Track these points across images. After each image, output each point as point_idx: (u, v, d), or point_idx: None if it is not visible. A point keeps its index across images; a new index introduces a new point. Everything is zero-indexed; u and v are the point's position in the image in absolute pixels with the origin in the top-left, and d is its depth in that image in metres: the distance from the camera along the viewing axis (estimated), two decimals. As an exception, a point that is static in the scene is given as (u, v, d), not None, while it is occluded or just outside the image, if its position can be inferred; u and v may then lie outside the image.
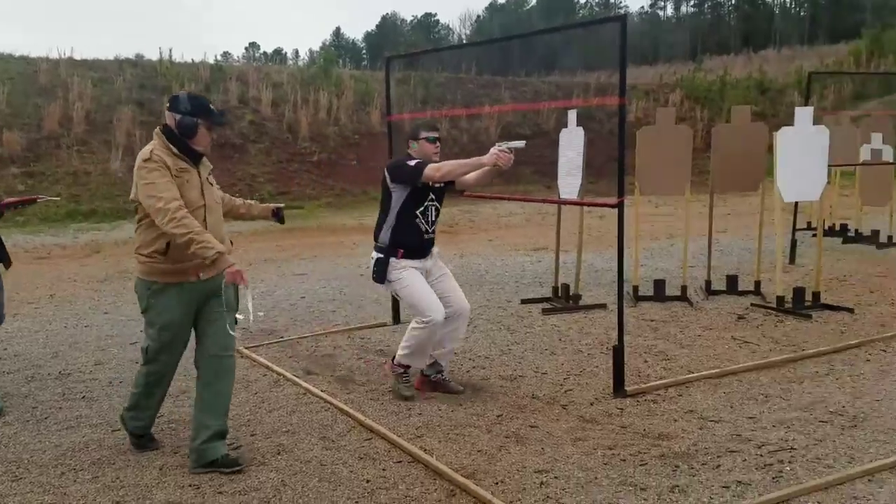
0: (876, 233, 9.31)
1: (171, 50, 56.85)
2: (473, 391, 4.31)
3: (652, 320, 5.90)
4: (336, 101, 20.12)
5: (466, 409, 4.02)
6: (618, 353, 4.19)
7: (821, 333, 5.36)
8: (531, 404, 4.07)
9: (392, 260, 4.03)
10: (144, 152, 3.14)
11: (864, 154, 9.26)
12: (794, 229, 8.51)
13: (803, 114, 5.99)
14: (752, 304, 6.27)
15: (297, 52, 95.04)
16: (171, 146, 3.18)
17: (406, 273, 4.01)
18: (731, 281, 6.80)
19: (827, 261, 8.13)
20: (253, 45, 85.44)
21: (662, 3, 78.48)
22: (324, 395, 4.25)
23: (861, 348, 4.95)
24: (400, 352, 4.15)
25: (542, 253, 9.45)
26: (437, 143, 4.11)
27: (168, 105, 3.24)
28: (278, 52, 79.21)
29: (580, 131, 6.28)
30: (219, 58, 40.08)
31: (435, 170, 3.87)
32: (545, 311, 6.22)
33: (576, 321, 5.93)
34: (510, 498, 2.98)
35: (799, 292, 6.07)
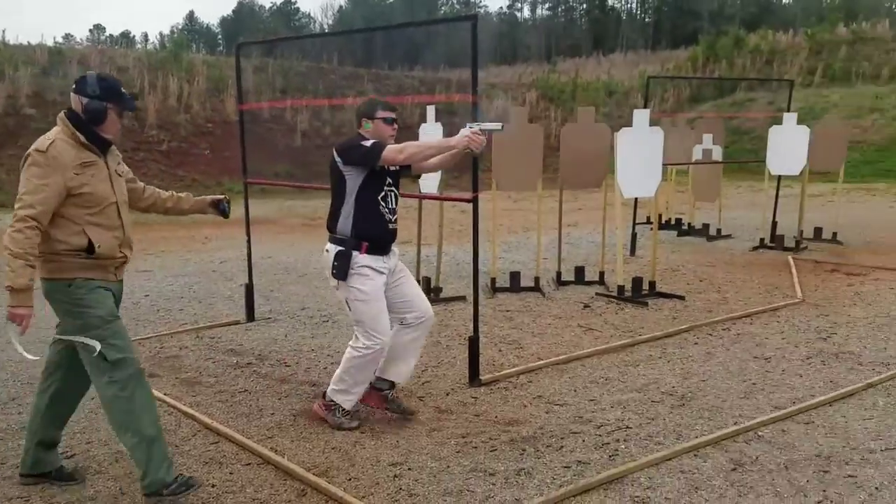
0: (706, 226, 10.16)
1: (3, 31, 51.78)
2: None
3: (507, 311, 6.11)
4: (187, 87, 19.16)
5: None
6: (473, 343, 4.31)
7: (656, 320, 5.78)
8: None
9: (355, 255, 3.46)
10: (41, 143, 2.77)
11: (697, 154, 10.07)
12: (634, 223, 9.09)
13: (641, 116, 6.42)
14: (596, 294, 6.65)
15: (146, 35, 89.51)
16: (78, 133, 2.83)
17: (369, 284, 3.47)
18: (579, 272, 7.17)
19: (662, 252, 8.78)
20: (98, 28, 79.45)
21: (519, 5, 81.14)
22: (166, 398, 4.05)
23: (690, 332, 5.39)
24: (333, 386, 3.61)
25: (407, 247, 9.50)
26: (395, 125, 3.63)
27: (74, 87, 2.87)
28: (125, 36, 74.12)
29: (439, 127, 6.36)
30: (59, 40, 37.00)
31: (397, 151, 3.41)
32: (405, 305, 6.26)
33: (435, 314, 6.00)
34: (363, 493, 2.98)
35: (637, 282, 6.52)
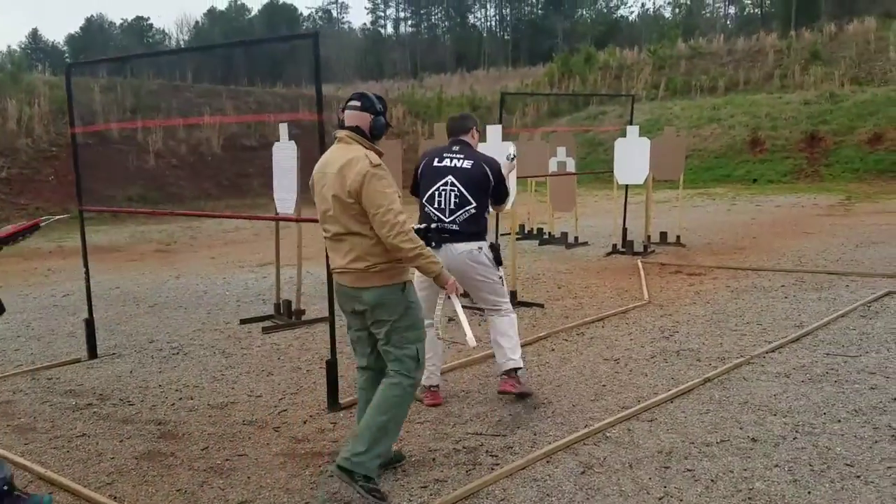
0: (565, 234, 10.60)
1: None
2: (175, 425, 4.02)
3: (370, 330, 6.05)
4: (28, 109, 17.76)
5: (168, 444, 3.74)
6: (331, 367, 4.21)
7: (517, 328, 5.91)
8: (241, 432, 3.91)
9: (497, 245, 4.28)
10: None
11: (552, 166, 10.48)
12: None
13: (494, 131, 6.59)
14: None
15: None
16: None
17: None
18: (443, 286, 7.24)
19: (525, 262, 9.06)
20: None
21: (383, 22, 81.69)
22: (-7, 450, 3.67)
23: (548, 339, 5.57)
24: (512, 356, 4.16)
25: (269, 268, 9.23)
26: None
27: None
28: (-47, 52, 67.70)
29: (292, 145, 6.23)
30: None
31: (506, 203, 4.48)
32: (265, 330, 6.06)
33: (297, 338, 5.86)
34: (209, 536, 2.82)
35: (499, 293, 6.66)
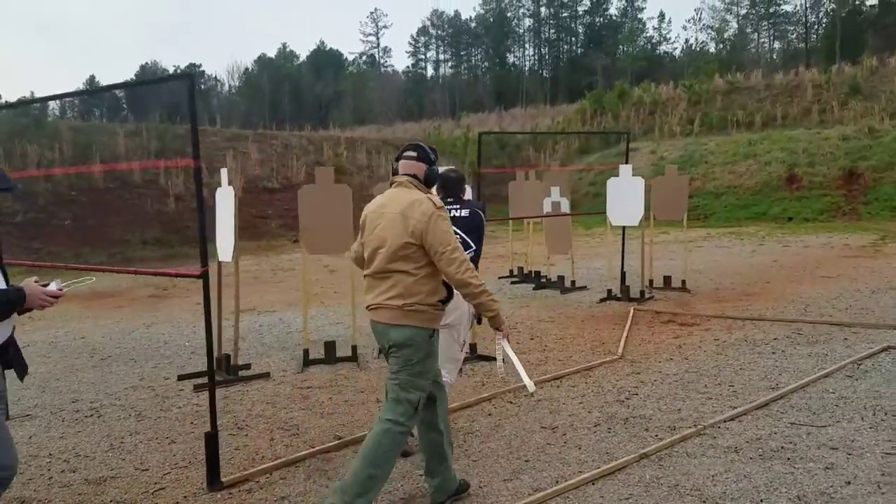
0: (561, 278, 10.05)
1: None
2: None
3: (309, 387, 5.62)
4: (49, 154, 18.18)
5: (9, 529, 3.36)
6: (210, 440, 3.79)
7: (463, 388, 5.41)
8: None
9: None
10: None
11: (546, 207, 10.01)
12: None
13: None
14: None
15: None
16: None
17: None
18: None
19: (512, 308, 8.54)
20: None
21: (423, 64, 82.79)
22: None
23: (491, 400, 5.04)
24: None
25: (246, 315, 8.94)
26: None
27: None
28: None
29: (231, 190, 5.94)
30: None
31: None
32: (196, 388, 5.69)
33: (226, 397, 5.47)
34: None
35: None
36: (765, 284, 9.76)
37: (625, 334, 6.87)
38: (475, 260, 4.20)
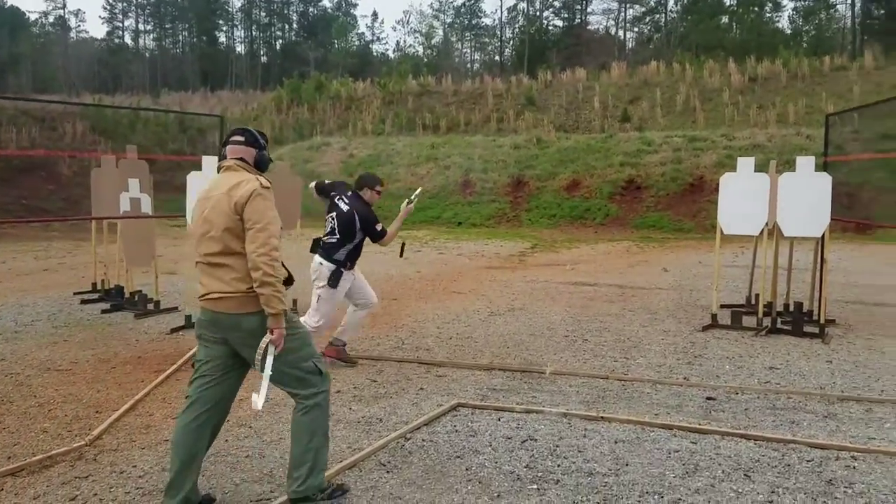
0: (143, 296, 7.91)
1: None
2: None
3: None
4: None
5: None
6: None
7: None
8: None
9: (343, 271, 5.37)
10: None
11: (124, 204, 7.79)
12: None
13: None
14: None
15: None
16: None
17: (342, 285, 5.39)
18: None
19: (81, 334, 6.14)
20: None
21: (121, 32, 74.00)
22: None
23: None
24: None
25: None
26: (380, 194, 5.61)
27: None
28: None
29: None
30: None
31: (388, 239, 5.51)
32: None
33: None
34: None
35: None
36: (391, 302, 8.62)
37: (128, 405, 4.89)
38: (342, 246, 5.35)
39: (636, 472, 3.60)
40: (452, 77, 33.86)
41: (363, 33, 73.06)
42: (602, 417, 4.40)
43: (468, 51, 67.83)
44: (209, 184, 3.26)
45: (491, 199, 21.21)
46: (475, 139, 25.18)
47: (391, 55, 69.93)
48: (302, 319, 4.93)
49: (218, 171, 3.25)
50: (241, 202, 3.01)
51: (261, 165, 3.27)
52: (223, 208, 3.05)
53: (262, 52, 72.89)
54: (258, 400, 3.02)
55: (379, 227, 5.41)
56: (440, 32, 67.38)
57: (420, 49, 67.97)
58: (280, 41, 72.91)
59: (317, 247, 5.42)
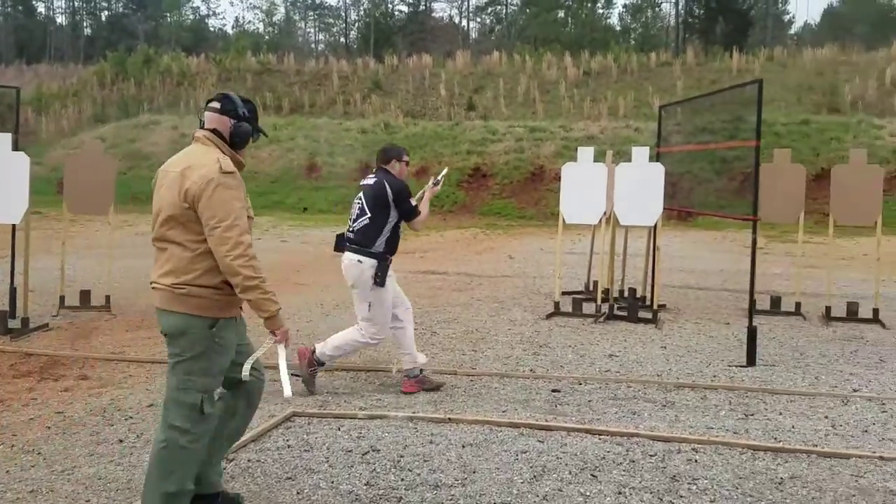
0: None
1: None
2: None
3: None
4: None
5: None
6: None
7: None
8: None
9: (388, 264, 4.55)
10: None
11: None
12: None
13: None
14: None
15: None
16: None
17: (389, 282, 4.58)
18: None
19: None
20: None
21: None
22: None
23: None
24: (330, 351, 4.65)
25: None
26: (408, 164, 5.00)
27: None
28: None
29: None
30: None
31: (421, 221, 4.75)
32: None
33: None
34: None
35: None
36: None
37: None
38: (377, 230, 4.53)
39: (484, 479, 3.40)
40: (295, 57, 32.60)
41: (198, 7, 68.93)
42: (450, 419, 4.18)
43: (312, 31, 66.04)
44: (175, 156, 2.79)
45: (338, 184, 20.65)
46: (321, 122, 24.41)
47: (229, 31, 66.52)
48: (353, 338, 4.60)
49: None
50: (194, 193, 2.59)
51: (236, 140, 2.77)
52: (173, 192, 2.64)
53: (85, 24, 66.77)
54: (286, 389, 2.81)
55: (413, 201, 4.69)
56: (282, 10, 65.01)
57: (261, 26, 65.21)
58: (106, 12, 67.05)
59: (343, 242, 4.61)
